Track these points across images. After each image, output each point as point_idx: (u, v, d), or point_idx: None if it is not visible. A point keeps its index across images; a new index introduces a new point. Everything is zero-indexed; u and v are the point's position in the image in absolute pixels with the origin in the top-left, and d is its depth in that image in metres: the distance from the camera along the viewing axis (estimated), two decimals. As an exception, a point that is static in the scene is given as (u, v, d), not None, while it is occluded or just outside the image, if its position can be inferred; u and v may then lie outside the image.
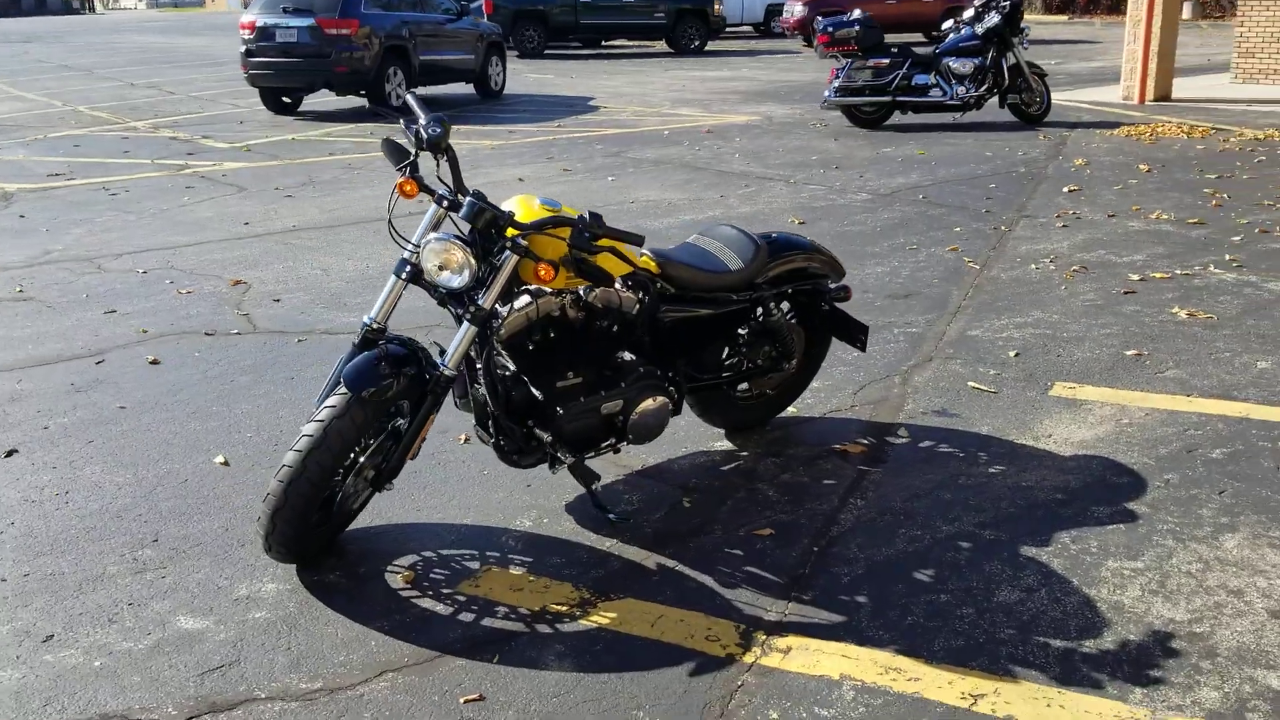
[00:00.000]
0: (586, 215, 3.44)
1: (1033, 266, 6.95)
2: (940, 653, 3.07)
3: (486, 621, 3.27)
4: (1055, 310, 6.05)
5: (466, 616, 3.30)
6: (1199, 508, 3.84)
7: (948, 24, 13.42)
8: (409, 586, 3.46)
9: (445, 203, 3.53)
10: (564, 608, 3.34)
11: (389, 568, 3.57)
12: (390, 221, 3.56)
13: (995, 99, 13.01)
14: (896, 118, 13.40)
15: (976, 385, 5.02)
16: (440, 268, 3.41)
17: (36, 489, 4.14)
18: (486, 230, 3.41)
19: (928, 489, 4.03)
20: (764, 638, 3.16)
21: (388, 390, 3.34)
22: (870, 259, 7.23)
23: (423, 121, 3.54)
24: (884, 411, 4.76)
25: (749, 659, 3.07)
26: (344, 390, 3.33)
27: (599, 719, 2.84)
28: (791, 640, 3.15)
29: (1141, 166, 10.28)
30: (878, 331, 5.72)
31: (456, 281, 3.41)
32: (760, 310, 4.26)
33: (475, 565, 3.58)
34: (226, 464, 4.32)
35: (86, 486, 4.14)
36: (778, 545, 3.67)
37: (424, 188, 3.52)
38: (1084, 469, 4.16)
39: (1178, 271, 6.75)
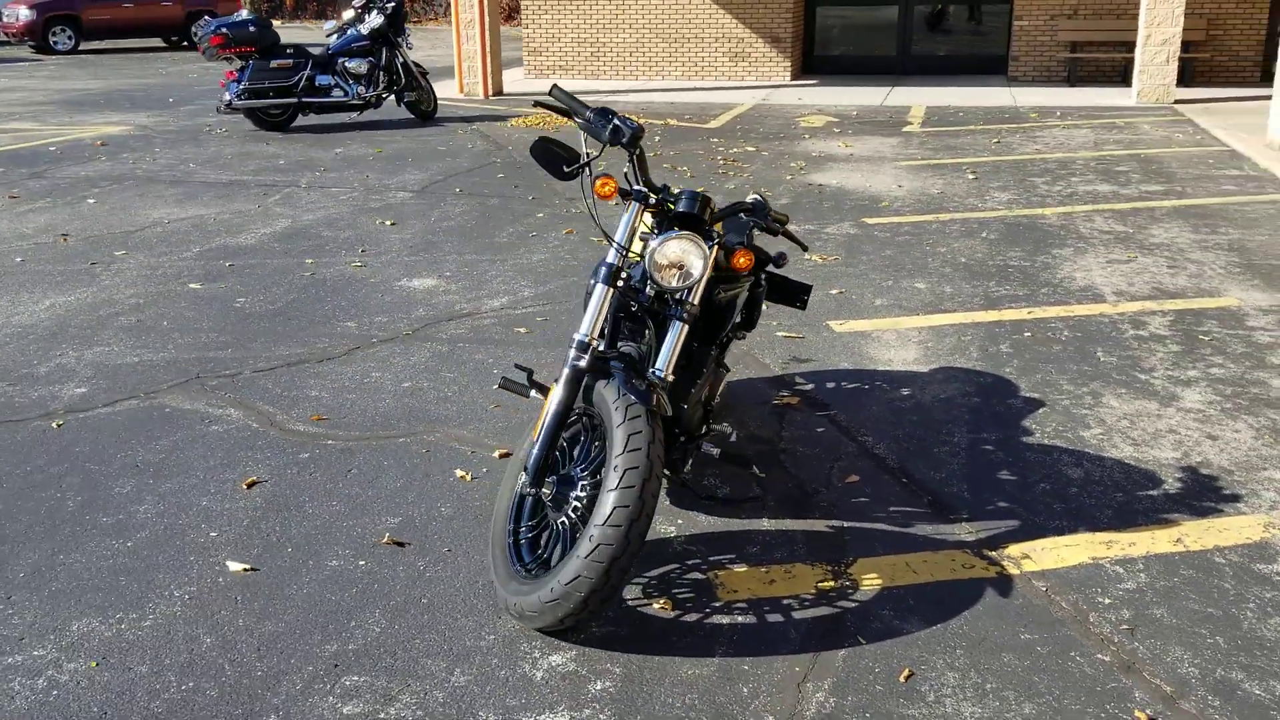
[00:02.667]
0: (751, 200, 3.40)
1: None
2: (1118, 516, 3.70)
3: (800, 614, 3.17)
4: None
5: (775, 617, 3.16)
6: (1057, 377, 4.88)
7: (329, 25, 13.29)
8: (677, 609, 3.18)
9: (652, 199, 3.23)
10: (831, 582, 3.34)
11: (633, 601, 3.22)
12: (595, 221, 3.21)
13: (393, 97, 13.25)
14: (299, 119, 13.02)
15: (787, 334, 5.60)
16: (678, 266, 3.15)
17: None
18: (707, 222, 3.21)
19: (888, 412, 4.56)
20: (995, 553, 3.51)
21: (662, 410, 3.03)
22: (514, 250, 7.31)
23: (616, 121, 3.19)
24: (756, 366, 5.14)
25: (1016, 571, 3.41)
26: (637, 416, 2.94)
27: (978, 653, 3.01)
28: (1014, 549, 3.54)
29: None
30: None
31: (689, 280, 3.18)
32: (757, 282, 4.40)
33: (700, 576, 3.37)
34: None
35: None
36: (871, 484, 3.97)
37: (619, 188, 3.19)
38: (950, 374, 4.99)
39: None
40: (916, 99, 15.50)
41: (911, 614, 3.19)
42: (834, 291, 6.36)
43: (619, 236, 3.25)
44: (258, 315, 5.91)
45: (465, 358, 5.27)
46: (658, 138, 12.17)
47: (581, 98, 15.56)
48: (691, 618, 3.16)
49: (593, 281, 3.31)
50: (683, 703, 2.80)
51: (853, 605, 3.23)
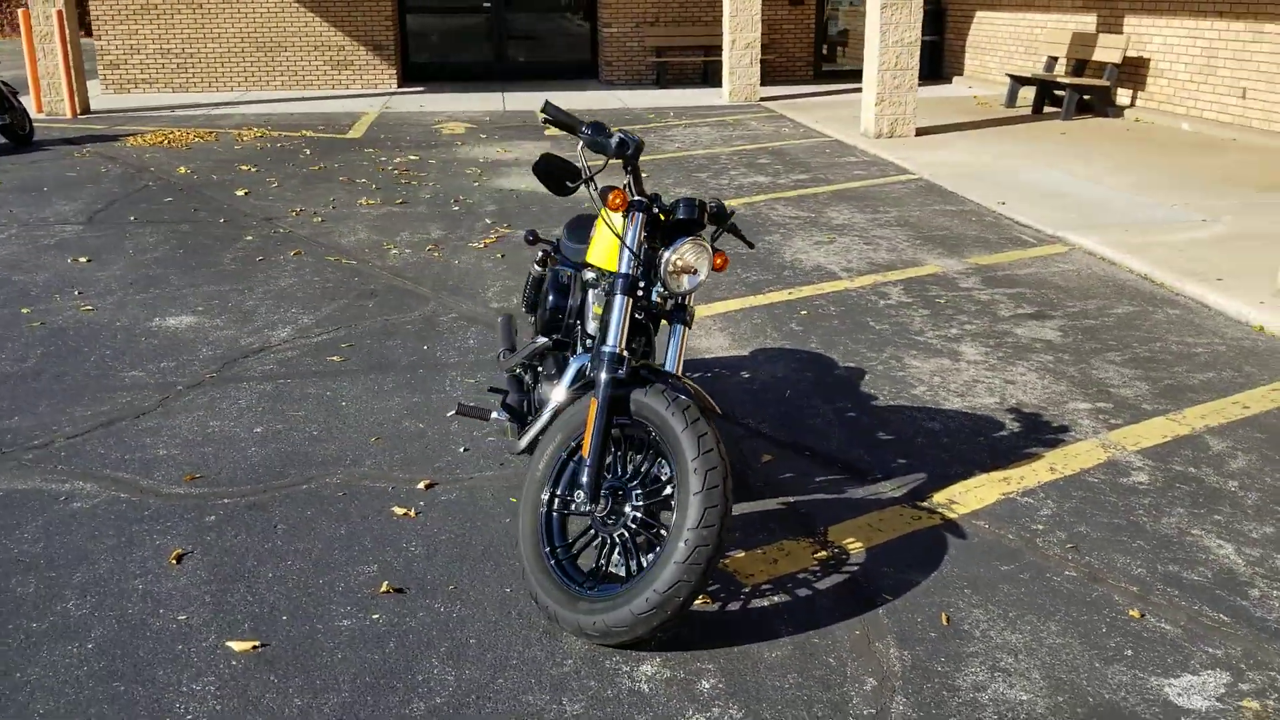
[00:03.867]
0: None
1: (429, 248, 7.36)
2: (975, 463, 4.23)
3: (821, 585, 3.38)
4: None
5: (803, 591, 3.35)
6: (856, 346, 5.43)
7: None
8: (716, 602, 3.27)
9: (655, 208, 3.25)
10: (824, 553, 3.58)
11: (673, 603, 3.26)
12: (617, 232, 3.19)
13: (-15, 122, 11.60)
14: None
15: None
16: (689, 271, 3.21)
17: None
18: (703, 225, 3.30)
19: (744, 395, 4.86)
20: (926, 504, 3.91)
21: None
22: (251, 276, 6.78)
23: (619, 137, 3.17)
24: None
25: (954, 515, 3.83)
26: (698, 418, 2.99)
27: (983, 589, 3.41)
28: (938, 497, 3.96)
29: (244, 167, 10.63)
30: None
31: (695, 282, 3.25)
32: None
33: (711, 566, 3.47)
34: None
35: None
36: (785, 461, 4.25)
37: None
38: (769, 355, 5.38)
39: (504, 229, 7.89)
40: (534, 104, 15.92)
41: (906, 567, 3.50)
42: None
43: (626, 250, 3.25)
44: (16, 376, 5.09)
45: (298, 394, 4.90)
46: (307, 150, 11.64)
47: (179, 112, 14.59)
48: (734, 606, 3.27)
49: (599, 292, 3.29)
50: (789, 682, 2.92)
51: (855, 568, 3.49)
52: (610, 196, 3.16)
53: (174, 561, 3.48)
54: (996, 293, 6.43)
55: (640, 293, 3.26)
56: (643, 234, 3.25)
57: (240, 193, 9.42)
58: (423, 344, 5.58)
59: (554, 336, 3.68)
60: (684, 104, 15.75)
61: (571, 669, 2.96)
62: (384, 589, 3.33)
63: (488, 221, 8.38)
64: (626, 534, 3.10)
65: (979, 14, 17.46)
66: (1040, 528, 3.73)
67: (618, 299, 3.20)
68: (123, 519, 3.76)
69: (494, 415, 3.79)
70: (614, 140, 3.23)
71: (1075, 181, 9.43)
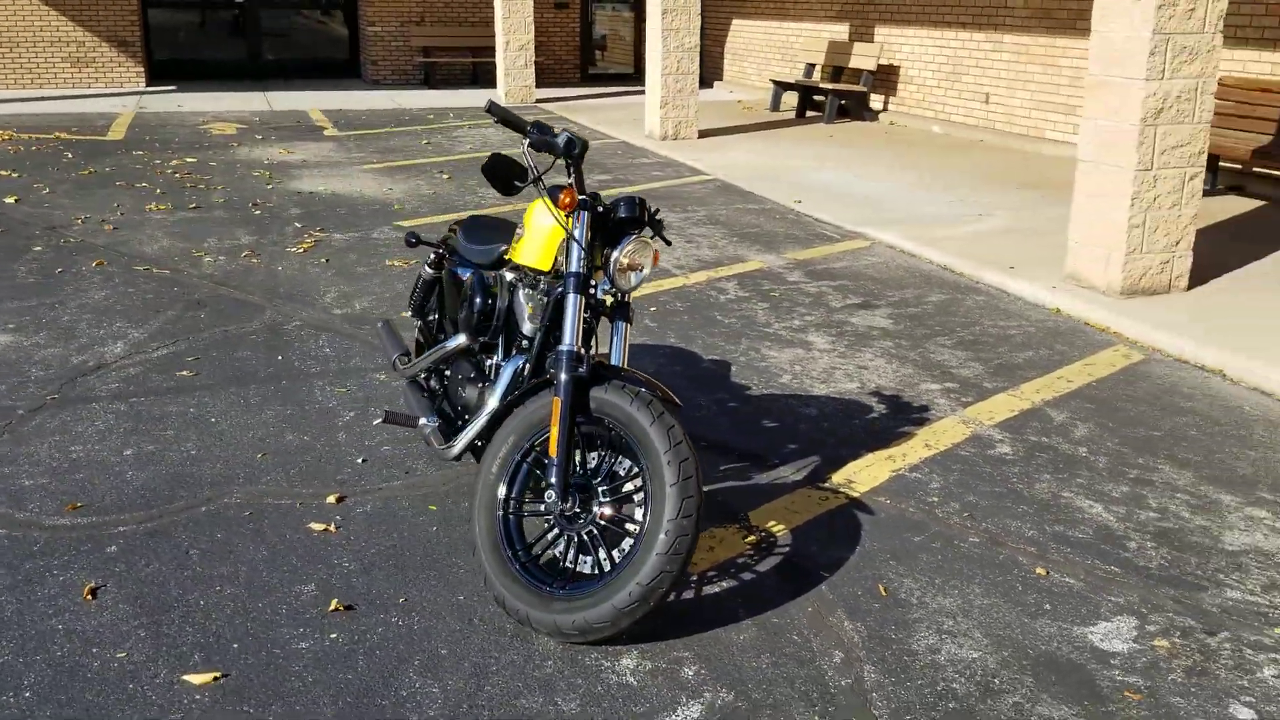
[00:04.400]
0: None
1: (293, 248, 6.95)
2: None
3: (761, 567, 3.51)
4: (371, 272, 6.55)
5: (747, 575, 3.46)
6: (713, 340, 5.61)
7: None
8: (673, 593, 3.34)
9: (600, 206, 3.25)
10: (753, 537, 3.71)
11: (630, 597, 3.30)
12: (572, 232, 3.18)
13: None
14: None
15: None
16: (637, 268, 3.25)
17: None
18: (643, 222, 3.35)
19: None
20: (828, 485, 4.12)
21: None
22: (58, 290, 6.24)
23: (566, 136, 3.16)
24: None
25: (856, 494, 4.06)
26: (662, 412, 3.04)
27: (904, 560, 3.66)
28: (836, 477, 4.18)
29: (2, 173, 9.72)
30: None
31: (640, 279, 3.30)
32: None
33: (653, 558, 3.53)
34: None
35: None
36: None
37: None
38: (633, 350, 5.48)
39: (355, 233, 7.58)
40: (303, 103, 15.35)
41: (829, 544, 3.68)
42: (451, 293, 6.45)
43: (575, 249, 3.25)
44: None
45: (159, 413, 4.58)
46: (68, 154, 10.77)
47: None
48: (689, 594, 3.34)
49: (535, 293, 3.29)
50: (765, 662, 3.02)
51: (786, 549, 3.64)
52: (563, 195, 3.16)
53: (89, 597, 3.20)
54: (822, 285, 6.78)
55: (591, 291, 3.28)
56: (589, 232, 3.27)
57: (10, 200, 8.62)
58: (275, 354, 5.33)
59: (481, 339, 3.62)
60: (461, 105, 15.60)
61: (555, 669, 2.96)
62: (333, 607, 3.20)
63: (297, 225, 8.06)
64: (595, 530, 3.11)
65: (735, 22, 18.20)
66: (935, 499, 4.01)
67: (571, 297, 3.21)
68: (10, 556, 3.42)
69: (422, 421, 3.70)
70: (562, 140, 3.24)
71: (859, 181, 10.04)
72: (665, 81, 12.31)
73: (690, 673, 2.96)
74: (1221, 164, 9.50)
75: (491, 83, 18.39)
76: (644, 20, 18.92)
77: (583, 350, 3.18)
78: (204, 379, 4.97)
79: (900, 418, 4.75)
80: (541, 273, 3.48)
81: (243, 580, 3.33)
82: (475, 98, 16.41)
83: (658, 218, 3.49)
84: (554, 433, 3.09)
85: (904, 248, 7.72)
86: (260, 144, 11.80)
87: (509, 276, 3.61)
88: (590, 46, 19.47)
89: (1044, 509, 3.95)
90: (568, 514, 3.11)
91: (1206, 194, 9.22)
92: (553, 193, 3.25)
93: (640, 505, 3.13)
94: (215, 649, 2.99)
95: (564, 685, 2.89)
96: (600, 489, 3.13)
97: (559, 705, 2.81)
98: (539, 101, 16.11)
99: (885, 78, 14.27)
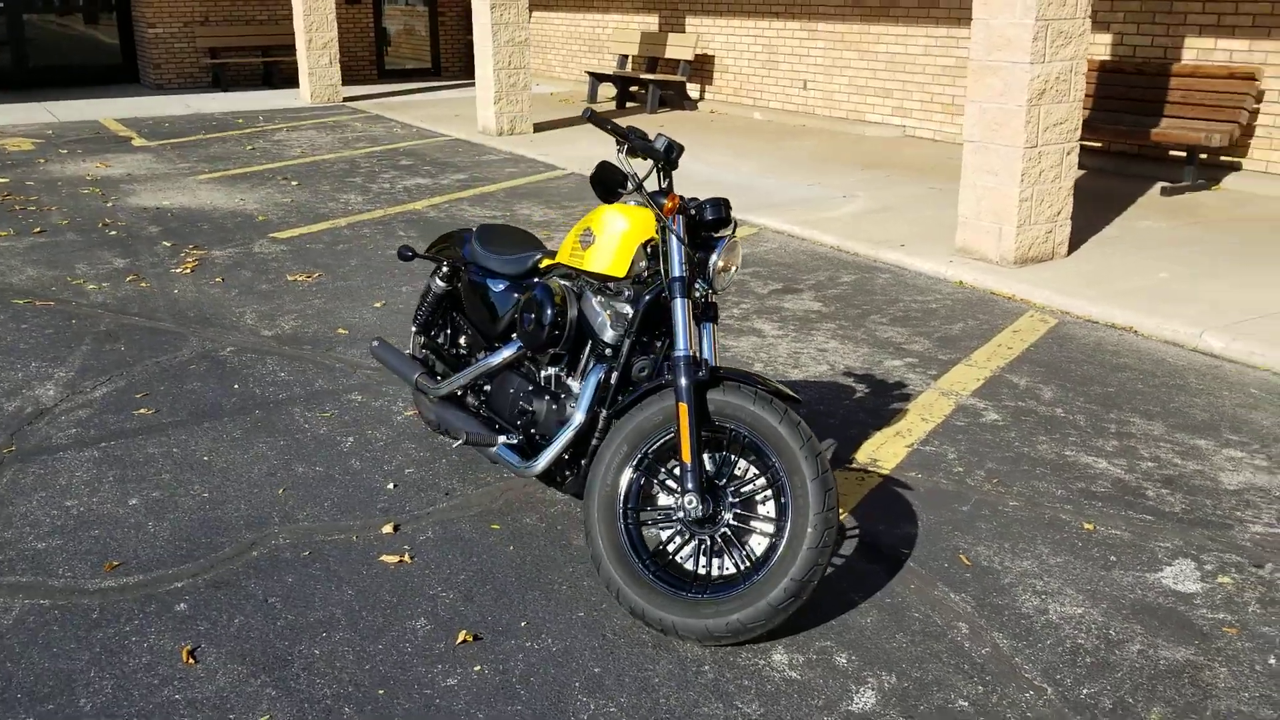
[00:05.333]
0: None
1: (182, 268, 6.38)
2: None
3: (846, 549, 3.59)
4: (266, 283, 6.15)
5: (837, 559, 3.54)
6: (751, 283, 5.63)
7: None
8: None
9: (693, 210, 3.22)
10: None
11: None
12: (680, 236, 3.15)
13: None
14: None
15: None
16: (730, 268, 3.26)
17: None
18: (729, 222, 3.34)
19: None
20: (860, 465, 4.25)
21: None
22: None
23: (665, 141, 3.12)
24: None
25: (887, 471, 4.20)
26: (786, 411, 3.06)
27: (964, 530, 3.84)
28: (861, 457, 4.31)
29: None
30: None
31: (731, 279, 3.31)
32: None
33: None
34: None
35: None
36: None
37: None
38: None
39: (232, 247, 7.06)
40: (91, 112, 14.24)
41: (891, 522, 3.79)
42: (377, 305, 6.19)
43: (680, 252, 3.20)
44: None
45: (140, 456, 4.20)
46: None
47: None
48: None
49: (618, 300, 3.25)
50: (904, 641, 3.10)
51: (857, 531, 3.72)
52: (668, 201, 3.13)
53: (190, 660, 2.93)
54: (743, 272, 6.91)
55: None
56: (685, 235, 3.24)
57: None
58: (228, 383, 4.97)
59: (552, 350, 3.52)
60: (265, 107, 14.86)
61: (716, 673, 2.94)
62: (461, 639, 3.05)
63: (166, 245, 7.51)
64: (730, 533, 3.11)
65: (537, 14, 18.13)
66: (960, 470, 4.21)
67: (679, 301, 3.17)
68: (71, 628, 3.08)
69: (501, 439, 3.56)
70: (660, 144, 3.20)
71: (714, 169, 10.25)
72: (498, 76, 12.16)
73: (843, 660, 3.01)
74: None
75: (287, 83, 17.59)
76: (439, 14, 18.59)
77: (697, 354, 3.16)
78: (168, 416, 4.59)
79: (885, 395, 4.93)
80: (615, 279, 3.42)
81: (345, 624, 3.13)
82: (277, 99, 15.67)
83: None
84: (684, 438, 3.06)
85: (793, 232, 7.96)
86: (68, 159, 10.88)
87: (566, 285, 3.54)
88: (384, 43, 18.94)
89: (1057, 469, 4.21)
90: (700, 518, 3.09)
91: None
92: (662, 199, 3.20)
93: (762, 504, 3.15)
94: (363, 699, 2.80)
95: (734, 688, 2.88)
96: (729, 491, 3.13)
97: (740, 708, 2.80)
98: (347, 100, 15.56)
99: (701, 67, 14.59)
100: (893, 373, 5.20)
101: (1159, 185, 9.05)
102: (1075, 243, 7.31)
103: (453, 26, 19.08)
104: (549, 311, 3.46)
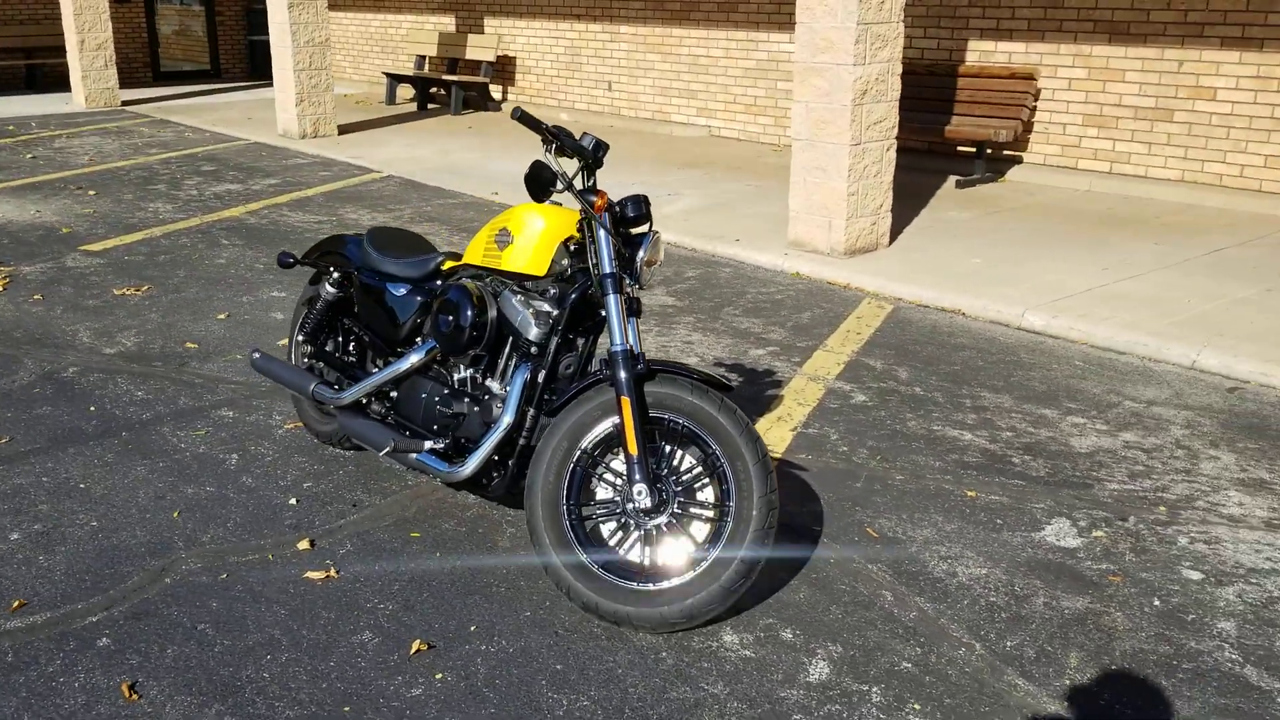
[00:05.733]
0: None
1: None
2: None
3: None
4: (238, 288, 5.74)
5: (758, 541, 3.67)
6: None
7: None
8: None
9: (616, 207, 3.26)
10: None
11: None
12: (610, 232, 3.20)
13: None
14: None
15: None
16: (654, 263, 3.33)
17: None
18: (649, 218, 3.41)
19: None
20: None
21: None
22: None
23: (592, 140, 3.14)
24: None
25: (801, 430, 4.38)
26: (721, 399, 3.16)
27: (879, 490, 4.06)
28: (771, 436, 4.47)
29: None
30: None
31: (654, 273, 3.37)
32: None
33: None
34: None
35: None
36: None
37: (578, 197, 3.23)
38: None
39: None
40: None
41: (796, 502, 3.97)
42: (221, 316, 5.91)
43: (610, 249, 3.24)
44: None
45: (8, 488, 3.89)
46: None
47: None
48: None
49: (539, 299, 3.27)
50: (839, 613, 3.26)
51: (766, 514, 3.88)
52: (597, 199, 3.17)
53: (133, 696, 2.76)
54: (586, 271, 6.98)
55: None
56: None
57: None
58: (81, 405, 4.66)
59: (471, 352, 3.50)
60: (37, 113, 13.82)
61: (676, 659, 3.01)
62: (415, 649, 3.00)
63: (-36, 261, 6.91)
64: (674, 520, 3.18)
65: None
66: (845, 449, 4.43)
67: (613, 297, 3.22)
68: (92, 654, 2.84)
69: (427, 445, 3.50)
70: (593, 143, 3.23)
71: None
72: (299, 78, 11.76)
73: (789, 635, 3.14)
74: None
75: (55, 86, 16.39)
76: (217, 14, 17.77)
77: (632, 347, 3.22)
78: (25, 443, 4.26)
79: (758, 383, 5.12)
80: (535, 277, 3.43)
81: (287, 644, 3.02)
82: (47, 104, 14.59)
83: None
84: (629, 431, 3.11)
85: (627, 230, 8.09)
86: None
87: (481, 285, 3.53)
88: (157, 44, 17.92)
89: (930, 443, 4.50)
90: (648, 508, 3.15)
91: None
92: (591, 197, 3.23)
93: (700, 491, 3.24)
94: (329, 717, 2.72)
95: (696, 671, 2.96)
96: (671, 480, 3.20)
97: (707, 689, 2.89)
98: (125, 104, 14.66)
99: (504, 69, 14.55)
100: (760, 361, 5.40)
101: (953, 179, 9.70)
102: (894, 233, 7.76)
103: (231, 26, 18.26)
104: (468, 312, 3.43)
